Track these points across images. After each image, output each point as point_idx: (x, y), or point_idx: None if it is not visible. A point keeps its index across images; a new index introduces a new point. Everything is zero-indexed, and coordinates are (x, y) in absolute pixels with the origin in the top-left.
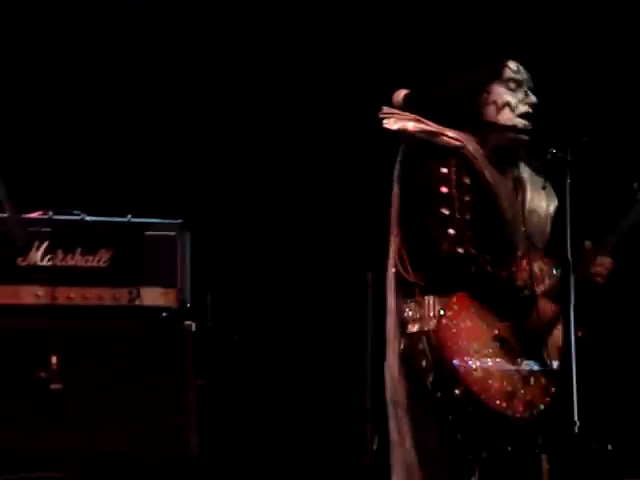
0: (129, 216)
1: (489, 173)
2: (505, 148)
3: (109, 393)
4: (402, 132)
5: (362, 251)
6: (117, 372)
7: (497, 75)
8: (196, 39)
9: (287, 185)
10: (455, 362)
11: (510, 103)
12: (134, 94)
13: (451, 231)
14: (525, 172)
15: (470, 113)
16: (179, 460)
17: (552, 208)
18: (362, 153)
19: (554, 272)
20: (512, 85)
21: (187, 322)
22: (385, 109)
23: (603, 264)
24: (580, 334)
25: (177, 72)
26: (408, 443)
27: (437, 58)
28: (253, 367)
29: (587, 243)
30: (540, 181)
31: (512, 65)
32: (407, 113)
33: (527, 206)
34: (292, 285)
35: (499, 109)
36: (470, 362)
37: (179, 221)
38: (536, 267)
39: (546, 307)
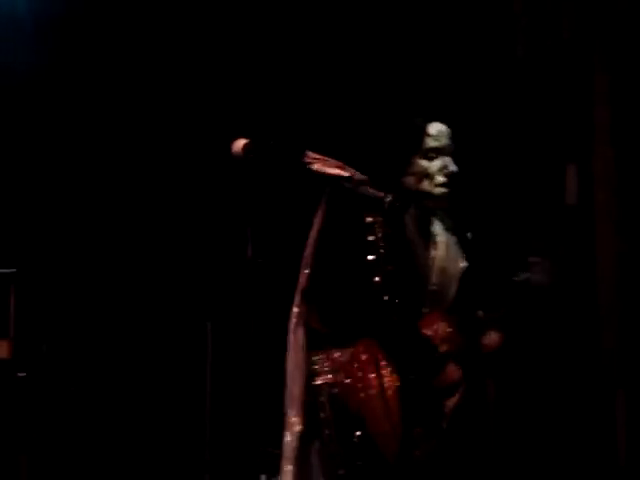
0: None
1: (409, 228)
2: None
3: None
4: (327, 177)
5: (202, 301)
6: None
7: (416, 146)
8: None
9: (129, 234)
10: (352, 406)
11: (429, 174)
12: None
13: (377, 279)
14: (439, 229)
15: (392, 179)
16: None
17: (462, 267)
18: (201, 202)
19: (458, 335)
20: (432, 154)
21: (20, 374)
22: (310, 154)
23: (492, 338)
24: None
25: None
26: None
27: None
28: (90, 419)
29: (479, 312)
30: (455, 237)
31: (433, 131)
32: (332, 159)
33: (437, 262)
34: (131, 336)
35: (419, 179)
36: (366, 409)
37: (12, 270)
38: (441, 327)
39: (454, 370)
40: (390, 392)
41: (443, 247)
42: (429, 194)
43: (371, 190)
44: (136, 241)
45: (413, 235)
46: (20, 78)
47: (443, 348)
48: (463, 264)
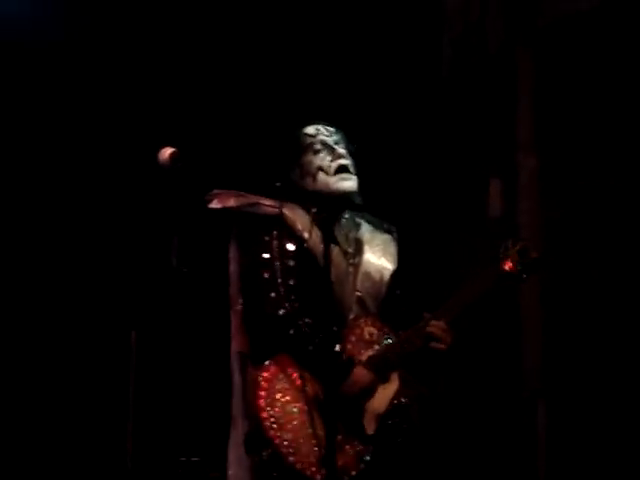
0: None
1: (314, 238)
2: (334, 210)
3: None
4: (227, 208)
5: (126, 309)
6: None
7: (299, 148)
8: None
9: (51, 241)
10: (266, 424)
11: (322, 167)
12: None
13: (272, 294)
14: (366, 233)
15: (291, 189)
16: None
17: (389, 271)
18: (127, 209)
19: (384, 339)
20: (317, 148)
21: None
22: (211, 193)
23: (438, 325)
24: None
25: None
26: None
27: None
28: (8, 429)
29: (425, 313)
30: (381, 241)
31: (310, 130)
32: (229, 191)
33: (362, 268)
34: (55, 343)
35: (314, 177)
36: (282, 425)
37: None
38: (366, 332)
39: (361, 374)
40: (304, 404)
41: (367, 250)
42: (329, 191)
43: (264, 208)
44: (61, 247)
45: (317, 244)
46: None
47: (366, 353)
48: (390, 266)
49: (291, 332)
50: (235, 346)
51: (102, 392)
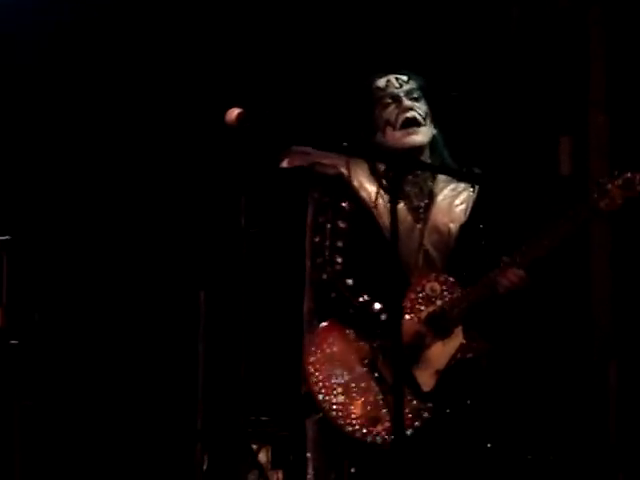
0: None
1: (376, 196)
2: (405, 165)
3: None
4: (295, 168)
5: (195, 270)
6: None
7: (368, 102)
8: None
9: (121, 202)
10: (315, 388)
11: (389, 121)
12: None
13: (319, 259)
14: (440, 184)
15: (362, 145)
16: None
17: (458, 224)
18: (196, 171)
19: (448, 294)
20: (386, 102)
21: (13, 341)
22: (286, 150)
23: (515, 272)
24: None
25: None
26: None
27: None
28: (81, 387)
29: (504, 258)
30: (454, 193)
31: (380, 83)
32: (303, 148)
33: (430, 222)
34: (124, 303)
35: (383, 132)
36: (331, 388)
37: (5, 238)
38: (428, 288)
39: (409, 329)
40: (354, 366)
41: (438, 204)
42: (395, 146)
43: (323, 168)
44: (129, 210)
45: (379, 204)
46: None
47: (427, 309)
48: (461, 219)
49: (332, 295)
50: (305, 308)
51: (172, 352)
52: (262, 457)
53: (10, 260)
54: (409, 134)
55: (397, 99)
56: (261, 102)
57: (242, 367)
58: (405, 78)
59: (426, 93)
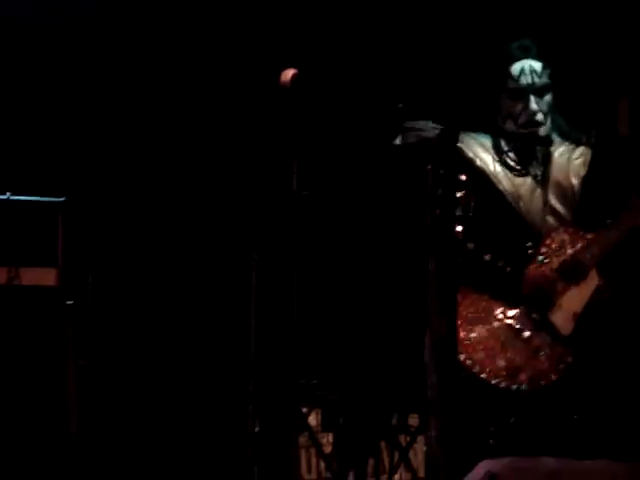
0: (8, 194)
1: (492, 165)
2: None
3: None
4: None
5: (247, 234)
6: None
7: (502, 86)
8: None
9: (172, 166)
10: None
11: (512, 114)
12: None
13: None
14: (556, 143)
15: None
16: (60, 443)
17: (579, 177)
18: (247, 134)
19: (577, 243)
20: (515, 94)
21: (68, 302)
22: (399, 129)
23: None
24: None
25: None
26: None
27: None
28: (135, 348)
29: (634, 197)
30: (569, 149)
31: (515, 71)
32: (414, 124)
33: (552, 179)
34: (176, 266)
35: (504, 119)
36: (471, 346)
37: (61, 199)
38: (556, 240)
39: (535, 275)
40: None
41: (557, 160)
42: (515, 135)
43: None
44: (183, 172)
45: (498, 170)
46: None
47: (557, 260)
48: (581, 172)
49: (458, 261)
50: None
51: (224, 315)
52: (312, 420)
53: (65, 221)
54: (529, 132)
55: (525, 97)
56: (316, 63)
57: (293, 330)
58: (539, 69)
59: (553, 79)
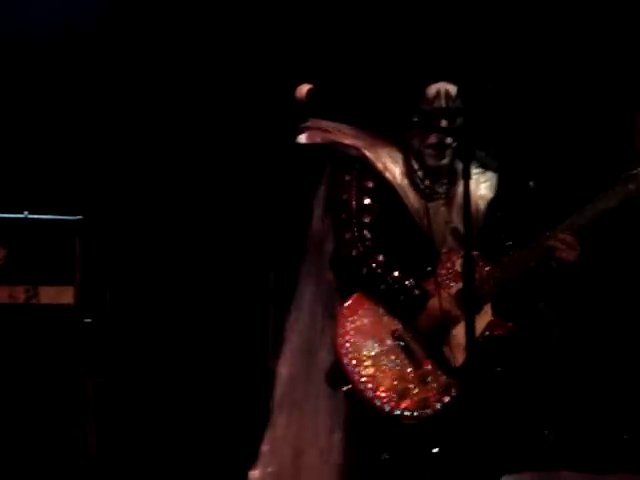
0: (26, 212)
1: (399, 177)
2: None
3: (7, 393)
4: (314, 145)
5: (265, 252)
6: (15, 371)
7: (414, 107)
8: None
9: (192, 184)
10: (344, 360)
11: (420, 133)
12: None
13: (347, 235)
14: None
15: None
16: (77, 458)
17: (486, 200)
18: (269, 155)
19: (476, 270)
20: (427, 116)
21: (86, 319)
22: (303, 124)
23: (563, 238)
24: (503, 331)
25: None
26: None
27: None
28: (153, 365)
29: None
30: (478, 172)
31: (430, 93)
32: (321, 122)
33: (457, 200)
34: (195, 283)
35: (415, 135)
36: (360, 361)
37: (78, 218)
38: (458, 264)
39: (435, 307)
40: (384, 340)
41: (460, 183)
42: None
43: (344, 148)
44: (199, 189)
45: (402, 182)
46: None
47: (457, 286)
48: (488, 196)
49: (364, 272)
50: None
51: (242, 332)
52: None
53: (82, 240)
54: (436, 156)
55: (435, 118)
56: (330, 79)
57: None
58: (454, 93)
59: (468, 99)
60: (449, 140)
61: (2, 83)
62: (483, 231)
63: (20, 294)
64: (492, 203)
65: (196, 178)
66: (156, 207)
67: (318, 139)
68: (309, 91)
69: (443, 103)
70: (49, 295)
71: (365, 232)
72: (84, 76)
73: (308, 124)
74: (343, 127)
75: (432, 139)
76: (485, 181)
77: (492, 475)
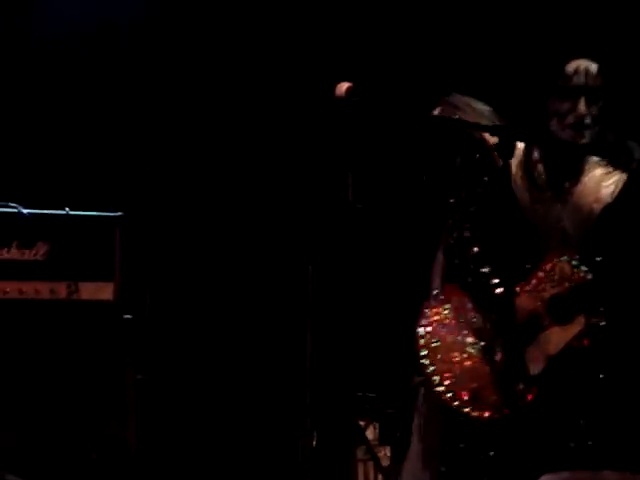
0: (67, 209)
1: (514, 170)
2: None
3: (47, 389)
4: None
5: (303, 245)
6: (55, 367)
7: (553, 85)
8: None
9: (229, 179)
10: (421, 353)
11: (558, 112)
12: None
13: (450, 221)
14: (590, 165)
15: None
16: (118, 456)
17: (602, 205)
18: (304, 147)
19: (578, 278)
20: (564, 93)
21: (126, 316)
22: (441, 101)
23: None
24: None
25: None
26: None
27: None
28: (192, 361)
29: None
30: (603, 174)
31: (569, 69)
32: (456, 100)
33: (572, 199)
34: (233, 278)
35: (549, 119)
36: (436, 354)
37: (118, 214)
38: (558, 268)
39: (523, 305)
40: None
41: (584, 182)
42: (557, 139)
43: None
44: (239, 184)
45: (517, 176)
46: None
47: (552, 290)
48: (606, 202)
49: (456, 261)
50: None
51: (280, 328)
52: (370, 434)
53: (122, 236)
54: (574, 137)
55: (576, 97)
56: (370, 76)
57: (350, 343)
58: (594, 71)
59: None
60: (588, 120)
61: (44, 82)
62: (592, 236)
63: (62, 290)
64: (609, 209)
65: (236, 174)
66: (196, 203)
67: (449, 113)
68: (348, 89)
69: (582, 80)
70: (89, 291)
71: (467, 221)
72: (128, 75)
73: (447, 98)
74: (479, 105)
75: (570, 119)
76: (609, 185)
77: (532, 474)
